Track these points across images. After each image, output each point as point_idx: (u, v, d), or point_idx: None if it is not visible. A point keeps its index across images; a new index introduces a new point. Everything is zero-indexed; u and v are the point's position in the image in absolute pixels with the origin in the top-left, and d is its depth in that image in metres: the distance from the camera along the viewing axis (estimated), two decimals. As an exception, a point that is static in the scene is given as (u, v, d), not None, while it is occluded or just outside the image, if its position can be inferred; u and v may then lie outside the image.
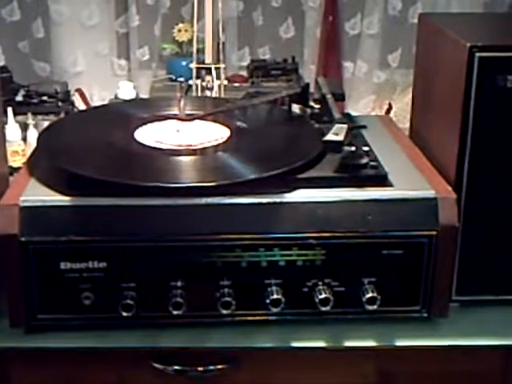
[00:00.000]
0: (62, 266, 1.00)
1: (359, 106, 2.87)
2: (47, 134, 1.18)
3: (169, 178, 1.02)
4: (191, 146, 1.12)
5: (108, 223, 1.00)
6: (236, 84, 2.76)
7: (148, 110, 1.28)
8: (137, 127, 1.18)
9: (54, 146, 1.12)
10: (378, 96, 2.93)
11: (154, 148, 1.11)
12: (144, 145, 1.12)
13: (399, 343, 1.06)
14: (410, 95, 1.37)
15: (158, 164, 1.06)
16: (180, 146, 1.12)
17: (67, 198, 1.00)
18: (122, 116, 1.26)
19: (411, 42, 2.82)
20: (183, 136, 1.16)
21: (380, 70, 2.94)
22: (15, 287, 1.01)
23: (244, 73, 2.91)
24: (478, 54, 1.00)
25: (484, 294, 1.11)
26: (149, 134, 1.16)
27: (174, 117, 1.22)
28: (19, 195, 1.01)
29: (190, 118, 1.20)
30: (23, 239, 0.98)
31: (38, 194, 1.01)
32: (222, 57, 1.67)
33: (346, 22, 2.89)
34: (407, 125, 1.40)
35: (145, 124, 1.20)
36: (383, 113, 2.62)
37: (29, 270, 1.00)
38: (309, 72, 2.89)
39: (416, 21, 1.31)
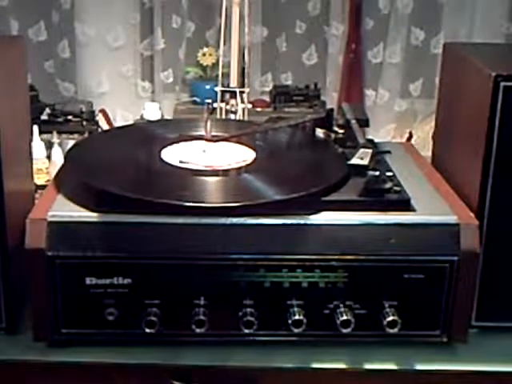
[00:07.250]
0: (88, 281, 1.01)
1: (380, 134, 2.89)
2: (76, 151, 1.19)
3: (195, 198, 1.02)
4: (217, 166, 1.14)
5: (133, 240, 1.01)
6: (258, 109, 2.79)
7: (174, 130, 1.30)
8: (163, 147, 1.20)
9: (82, 163, 1.14)
10: (398, 124, 2.95)
11: (180, 168, 1.12)
12: (170, 164, 1.13)
13: (419, 367, 1.06)
14: (431, 125, 1.38)
15: (183, 183, 1.07)
16: (206, 166, 1.13)
17: (94, 214, 1.01)
18: (149, 136, 1.27)
19: (433, 72, 2.87)
20: (209, 157, 1.17)
21: (401, 99, 2.96)
22: (40, 301, 1.02)
23: (266, 98, 2.94)
24: (503, 84, 1.01)
25: (504, 320, 1.11)
26: (175, 154, 1.17)
27: (201, 137, 1.23)
28: (47, 210, 1.02)
29: (217, 139, 1.22)
30: (50, 253, 0.99)
31: (66, 210, 1.03)
32: (246, 81, 1.69)
33: (369, 51, 2.92)
34: (427, 154, 1.40)
35: (171, 144, 1.22)
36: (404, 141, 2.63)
37: (54, 284, 1.01)
38: (331, 99, 2.92)
39: (438, 51, 1.33)
